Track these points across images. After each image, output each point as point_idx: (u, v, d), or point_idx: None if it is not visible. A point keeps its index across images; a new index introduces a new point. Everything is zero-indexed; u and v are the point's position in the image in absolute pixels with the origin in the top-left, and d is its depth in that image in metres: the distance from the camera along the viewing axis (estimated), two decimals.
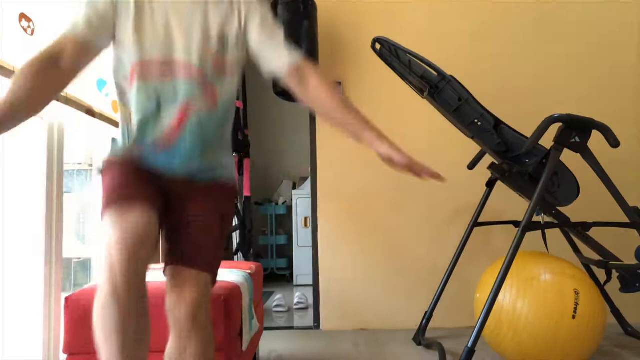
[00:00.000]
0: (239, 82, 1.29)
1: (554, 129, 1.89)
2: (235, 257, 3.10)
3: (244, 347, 1.57)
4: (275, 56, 1.20)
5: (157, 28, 1.16)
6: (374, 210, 2.83)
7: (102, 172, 1.17)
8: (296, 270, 4.45)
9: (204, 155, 1.20)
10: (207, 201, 1.20)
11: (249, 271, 1.81)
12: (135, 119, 1.17)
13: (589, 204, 2.13)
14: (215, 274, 1.16)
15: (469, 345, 1.73)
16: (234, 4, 1.22)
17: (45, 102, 1.11)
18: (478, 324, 1.74)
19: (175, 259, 1.13)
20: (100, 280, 0.98)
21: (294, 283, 4.42)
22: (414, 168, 1.12)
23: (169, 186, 1.17)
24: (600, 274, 2.04)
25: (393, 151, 1.11)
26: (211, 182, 1.23)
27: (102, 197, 1.10)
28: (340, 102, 1.20)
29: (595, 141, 1.87)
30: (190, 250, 1.13)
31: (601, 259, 2.01)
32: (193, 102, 1.16)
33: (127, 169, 1.14)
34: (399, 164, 1.11)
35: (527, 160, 1.95)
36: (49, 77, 1.08)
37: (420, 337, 2.37)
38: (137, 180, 1.11)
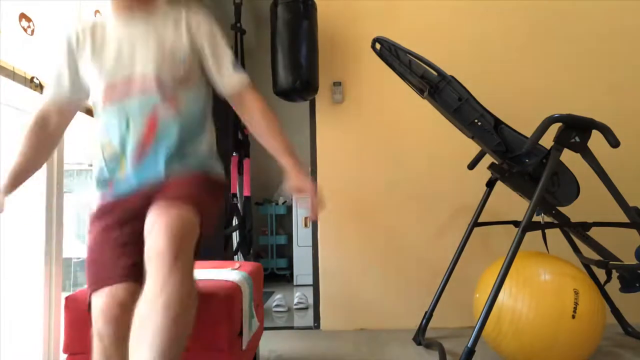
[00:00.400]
0: (204, 89, 1.34)
1: (554, 129, 1.89)
2: (236, 257, 3.10)
3: (244, 346, 1.57)
4: (220, 80, 1.29)
5: (114, 53, 1.25)
6: (374, 210, 2.83)
7: (88, 228, 1.25)
8: (296, 270, 4.45)
9: (175, 160, 1.26)
10: (179, 180, 1.24)
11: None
12: (112, 141, 1.25)
13: (589, 204, 2.13)
14: (201, 214, 1.10)
15: (469, 345, 1.73)
16: (181, 19, 1.28)
17: (44, 161, 1.33)
18: (478, 324, 1.74)
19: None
20: (93, 346, 1.09)
21: (294, 283, 4.42)
22: (312, 202, 1.19)
23: (146, 202, 1.18)
24: (600, 274, 2.04)
25: (302, 183, 1.20)
26: (185, 172, 1.26)
27: (85, 268, 1.19)
28: (268, 129, 1.28)
29: (596, 141, 1.87)
30: (163, 197, 1.12)
31: (601, 259, 2.01)
32: (158, 111, 1.23)
33: (104, 236, 1.19)
34: (304, 193, 1.20)
35: (527, 160, 1.95)
36: (42, 139, 1.27)
37: (420, 337, 2.37)
38: (113, 249, 1.16)
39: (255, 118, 1.29)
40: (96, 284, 1.12)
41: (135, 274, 1.11)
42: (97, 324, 1.08)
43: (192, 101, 1.29)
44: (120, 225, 1.19)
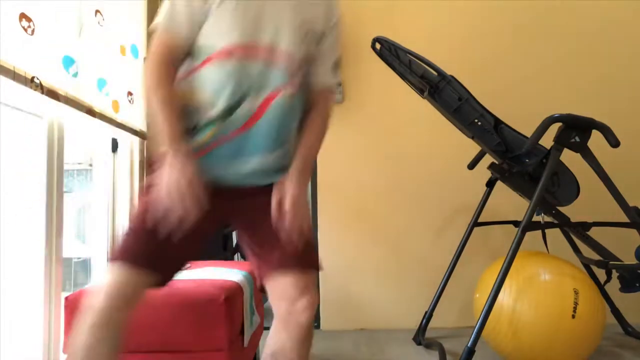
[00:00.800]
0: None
1: (554, 128, 1.89)
2: (235, 256, 3.10)
3: (245, 343, 1.58)
4: (317, 73, 1.23)
5: (255, 10, 1.12)
6: (374, 210, 2.83)
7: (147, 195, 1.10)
8: None
9: (276, 148, 1.16)
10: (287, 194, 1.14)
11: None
12: (220, 100, 1.12)
13: (589, 204, 2.13)
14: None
15: (469, 345, 1.73)
16: (329, 9, 1.22)
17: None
18: (478, 324, 1.74)
19: (278, 266, 1.12)
20: (84, 312, 1.04)
21: None
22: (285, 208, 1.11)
23: (236, 203, 1.15)
24: (601, 274, 2.04)
25: (288, 200, 1.10)
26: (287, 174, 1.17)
27: (125, 235, 1.09)
28: (316, 136, 1.24)
29: (596, 141, 1.87)
30: (288, 253, 1.11)
31: (601, 258, 2.01)
32: (281, 89, 1.13)
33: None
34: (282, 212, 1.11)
35: (527, 160, 1.95)
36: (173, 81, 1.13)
37: (420, 337, 2.37)
38: (184, 238, 1.07)
39: (317, 122, 1.24)
40: (123, 258, 1.05)
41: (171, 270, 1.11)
42: (107, 297, 1.02)
43: (304, 85, 1.21)
44: (207, 219, 1.08)
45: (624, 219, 1.88)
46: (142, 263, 1.05)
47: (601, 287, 2.09)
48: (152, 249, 1.07)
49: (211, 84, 1.12)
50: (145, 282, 1.05)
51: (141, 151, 2.27)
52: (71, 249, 2.35)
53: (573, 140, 1.87)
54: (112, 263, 1.05)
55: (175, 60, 1.15)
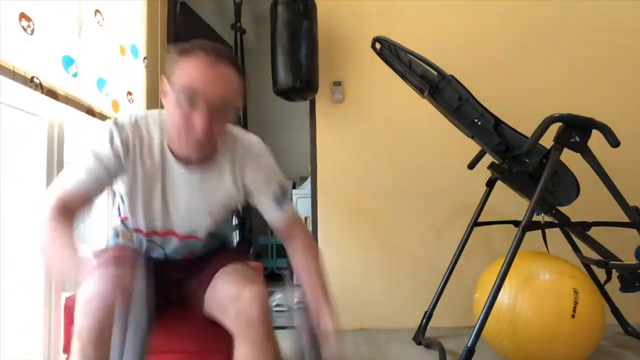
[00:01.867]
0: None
1: (554, 128, 1.89)
2: None
3: None
4: (272, 215, 1.32)
5: (159, 205, 1.22)
6: (374, 210, 2.83)
7: None
8: None
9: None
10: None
11: None
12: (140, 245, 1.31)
13: (589, 203, 2.13)
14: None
15: (469, 345, 1.73)
16: (234, 173, 1.25)
17: None
18: (478, 324, 1.74)
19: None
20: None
21: (294, 283, 4.42)
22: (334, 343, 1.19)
23: None
24: (601, 274, 2.04)
25: (331, 329, 1.22)
26: None
27: None
28: (309, 273, 1.38)
29: (596, 141, 1.87)
30: None
31: (601, 258, 2.01)
32: (195, 248, 1.33)
33: None
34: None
35: (527, 160, 1.94)
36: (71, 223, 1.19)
37: (420, 336, 2.37)
38: None
39: (299, 261, 1.37)
40: None
41: None
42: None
43: (227, 222, 1.40)
44: None
45: (624, 219, 1.88)
46: None
47: (601, 287, 2.09)
48: None
49: (134, 242, 1.34)
50: None
51: None
52: None
53: (573, 140, 1.87)
54: None
55: (73, 211, 1.29)
